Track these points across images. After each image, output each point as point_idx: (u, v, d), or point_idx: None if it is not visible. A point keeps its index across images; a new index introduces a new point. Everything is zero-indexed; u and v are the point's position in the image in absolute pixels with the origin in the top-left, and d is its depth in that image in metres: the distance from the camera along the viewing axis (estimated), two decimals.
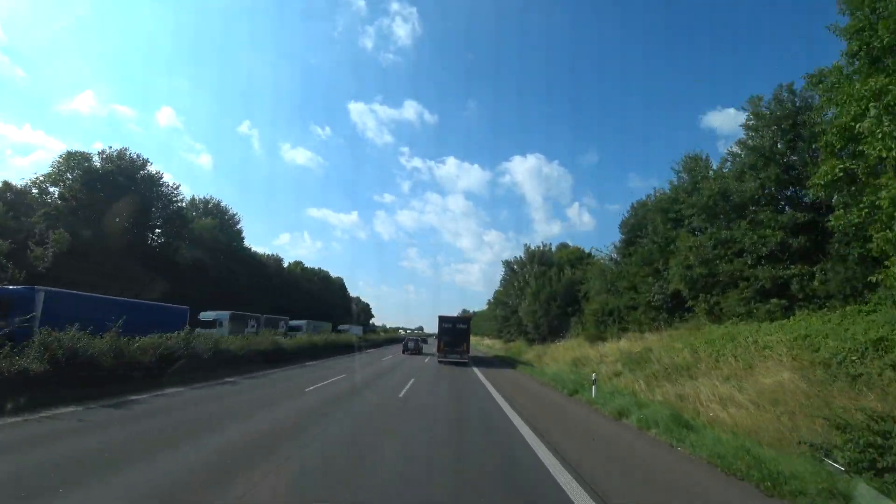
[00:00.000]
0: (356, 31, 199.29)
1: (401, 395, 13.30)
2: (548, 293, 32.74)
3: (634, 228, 27.78)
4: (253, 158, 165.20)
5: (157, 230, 48.74)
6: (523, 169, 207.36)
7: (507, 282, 44.09)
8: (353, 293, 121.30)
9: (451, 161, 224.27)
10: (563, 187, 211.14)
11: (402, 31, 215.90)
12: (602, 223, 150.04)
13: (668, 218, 23.12)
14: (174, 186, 48.07)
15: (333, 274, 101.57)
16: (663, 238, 22.22)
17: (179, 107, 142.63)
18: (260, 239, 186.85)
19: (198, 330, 34.82)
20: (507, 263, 44.75)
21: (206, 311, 38.07)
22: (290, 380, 16.62)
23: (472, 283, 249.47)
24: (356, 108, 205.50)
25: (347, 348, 35.92)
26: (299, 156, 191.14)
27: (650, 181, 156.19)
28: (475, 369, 24.72)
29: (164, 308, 30.62)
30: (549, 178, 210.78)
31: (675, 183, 24.28)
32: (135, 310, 27.26)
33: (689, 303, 18.82)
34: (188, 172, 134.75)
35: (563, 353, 26.32)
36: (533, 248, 39.86)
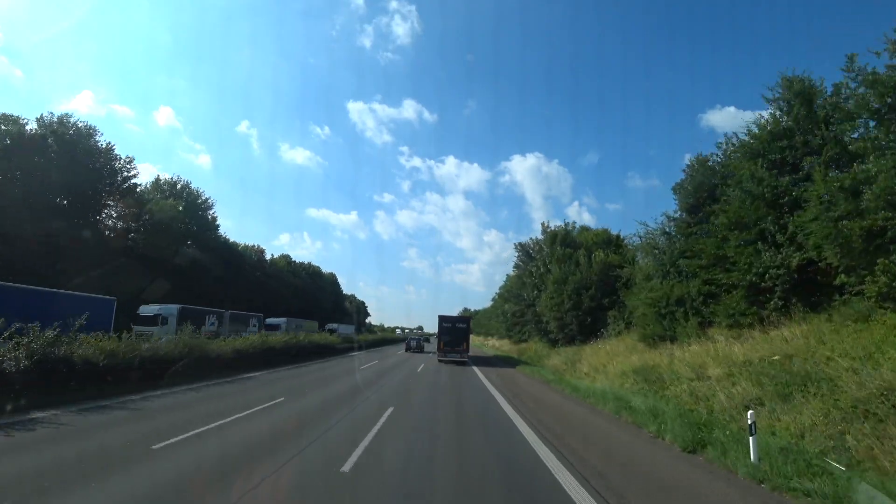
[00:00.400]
0: (355, 30, 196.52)
1: (345, 469, 6.00)
2: (577, 281, 25.44)
3: (700, 190, 20.54)
4: (252, 158, 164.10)
5: (110, 210, 41.62)
6: (523, 168, 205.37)
7: (520, 269, 36.64)
8: (353, 293, 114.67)
9: (451, 160, 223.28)
10: (563, 187, 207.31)
11: (401, 30, 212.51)
12: (602, 222, 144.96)
13: (770, 161, 15.91)
14: (127, 160, 40.88)
15: (335, 274, 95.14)
16: (770, 189, 14.92)
17: (178, 106, 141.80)
18: (260, 240, 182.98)
19: (136, 328, 27.24)
20: (520, 247, 37.28)
21: (162, 305, 30.78)
22: (165, 413, 9.36)
23: (472, 283, 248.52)
24: (355, 108, 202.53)
25: (325, 352, 28.72)
26: (298, 155, 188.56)
27: (650, 181, 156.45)
28: (489, 387, 17.50)
29: (82, 299, 23.47)
30: (548, 178, 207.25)
31: (768, 117, 17.09)
32: (33, 299, 20.29)
33: (842, 278, 11.52)
34: (188, 172, 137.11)
35: (608, 360, 19.03)
36: (553, 227, 32.57)
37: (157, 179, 50.85)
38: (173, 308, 30.14)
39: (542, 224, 34.16)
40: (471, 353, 31.38)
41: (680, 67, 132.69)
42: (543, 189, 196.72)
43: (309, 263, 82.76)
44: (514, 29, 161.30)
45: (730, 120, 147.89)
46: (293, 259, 76.68)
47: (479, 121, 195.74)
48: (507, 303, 44.47)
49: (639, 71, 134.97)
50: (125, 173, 40.94)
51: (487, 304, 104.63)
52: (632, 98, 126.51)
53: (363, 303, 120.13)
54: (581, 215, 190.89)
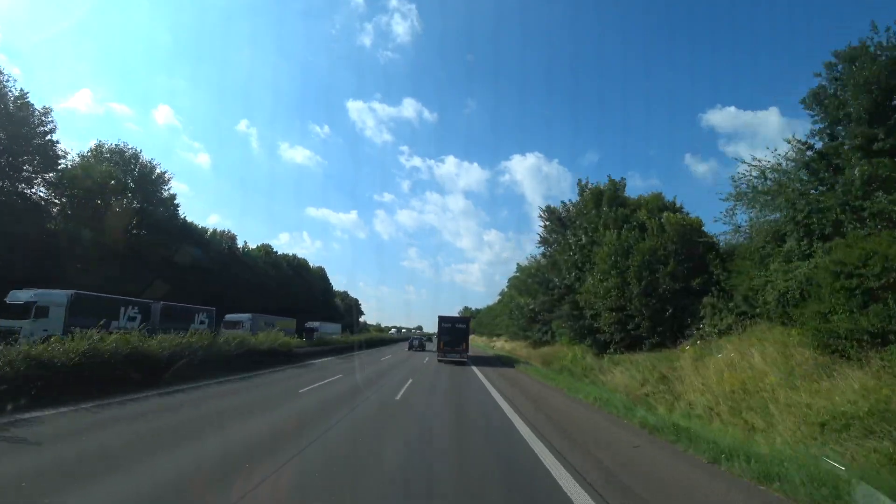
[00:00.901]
0: (354, 29, 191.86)
1: None
2: (647, 252, 16.57)
3: (889, 81, 11.93)
4: (252, 157, 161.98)
5: (25, 173, 32.85)
6: (523, 168, 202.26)
7: (549, 245, 27.31)
8: (346, 291, 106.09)
9: (451, 160, 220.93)
10: (563, 186, 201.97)
11: (401, 29, 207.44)
12: None
13: None
14: (42, 112, 32.11)
15: (333, 275, 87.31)
16: None
17: (177, 105, 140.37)
18: (259, 239, 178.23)
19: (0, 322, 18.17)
20: (549, 212, 27.86)
21: (41, 290, 21.82)
22: None
23: (472, 282, 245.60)
24: (355, 107, 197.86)
25: (271, 360, 19.86)
26: (298, 155, 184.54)
27: (650, 181, 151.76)
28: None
29: None
30: (549, 177, 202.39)
31: None
32: None
33: None
34: (187, 171, 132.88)
35: (745, 384, 10.12)
36: (593, 184, 23.40)
37: (99, 146, 41.93)
38: (61, 295, 21.36)
39: (579, 182, 25.17)
40: (474, 355, 32.38)
41: (680, 67, 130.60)
42: (543, 189, 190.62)
43: (294, 255, 74.08)
44: (514, 29, 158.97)
45: (730, 120, 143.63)
46: (275, 250, 67.84)
47: (479, 120, 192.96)
48: (522, 295, 35.56)
49: (639, 71, 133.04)
50: (41, 127, 32.21)
51: (487, 303, 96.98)
52: (632, 98, 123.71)
53: (357, 300, 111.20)
54: None
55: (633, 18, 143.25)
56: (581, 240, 21.36)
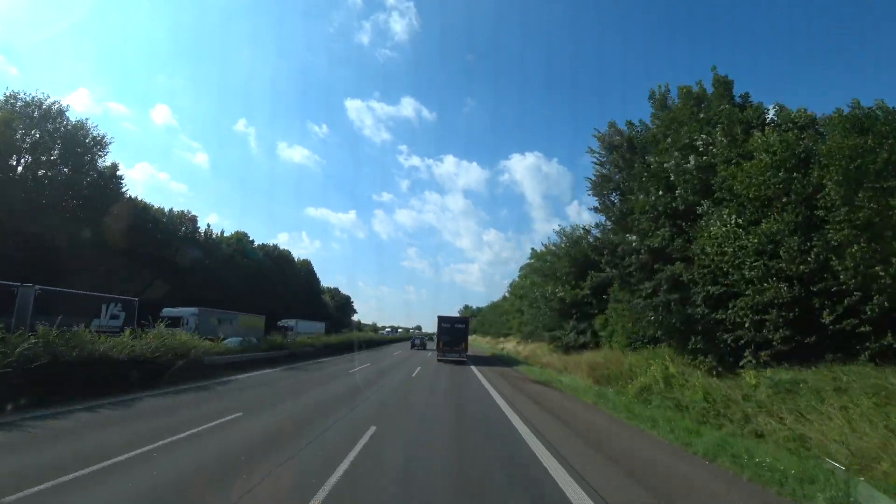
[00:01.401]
0: (352, 27, 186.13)
1: None
2: (850, 157, 8.04)
3: None
4: (250, 157, 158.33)
5: None
6: (522, 167, 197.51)
7: (613, 189, 17.18)
8: (353, 294, 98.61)
9: (450, 159, 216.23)
10: (563, 186, 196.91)
11: (399, 27, 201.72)
12: None
13: None
14: None
15: (333, 275, 78.94)
16: None
17: (175, 105, 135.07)
18: (260, 239, 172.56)
19: None
20: (610, 135, 17.39)
21: None
22: None
23: (472, 282, 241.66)
24: (353, 106, 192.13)
25: (157, 373, 11.36)
26: (296, 154, 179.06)
27: None
28: None
29: None
30: (548, 177, 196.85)
31: None
32: None
33: None
34: (186, 171, 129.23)
35: None
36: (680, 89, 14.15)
37: (12, 96, 33.01)
38: None
39: (652, 93, 15.89)
40: (474, 355, 33.26)
41: (680, 67, 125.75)
42: (543, 188, 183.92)
43: (275, 246, 65.42)
44: (513, 25, 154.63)
45: None
46: (251, 238, 59.23)
47: (478, 119, 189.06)
48: (547, 282, 26.96)
49: (638, 71, 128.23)
50: None
51: (491, 300, 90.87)
52: (632, 98, 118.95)
53: (348, 297, 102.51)
54: (581, 214, 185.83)
55: (633, 18, 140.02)
56: (688, 162, 12.23)
